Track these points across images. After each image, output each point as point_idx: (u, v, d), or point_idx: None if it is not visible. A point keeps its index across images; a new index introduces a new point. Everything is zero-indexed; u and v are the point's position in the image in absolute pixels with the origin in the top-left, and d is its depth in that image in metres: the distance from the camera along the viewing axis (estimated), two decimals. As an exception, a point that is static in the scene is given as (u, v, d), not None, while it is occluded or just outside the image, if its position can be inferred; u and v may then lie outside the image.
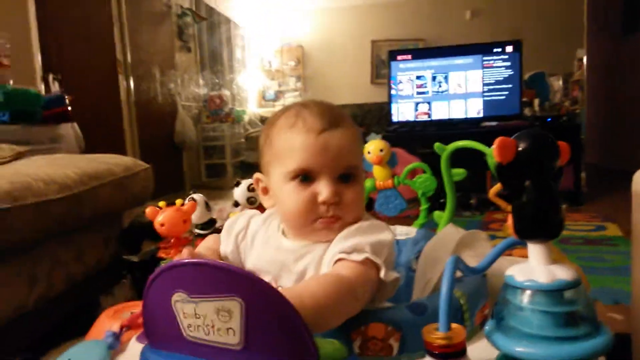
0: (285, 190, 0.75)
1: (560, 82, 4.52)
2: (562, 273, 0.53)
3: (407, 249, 1.00)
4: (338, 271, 0.67)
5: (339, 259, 0.69)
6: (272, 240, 0.80)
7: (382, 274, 0.68)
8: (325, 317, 0.60)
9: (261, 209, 1.20)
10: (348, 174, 0.75)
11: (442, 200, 1.10)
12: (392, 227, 1.06)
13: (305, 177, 0.74)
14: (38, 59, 2.87)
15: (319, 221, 0.74)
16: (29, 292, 1.28)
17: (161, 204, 0.95)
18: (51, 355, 1.29)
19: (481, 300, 0.72)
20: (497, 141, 0.50)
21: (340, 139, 0.74)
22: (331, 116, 0.75)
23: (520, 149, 0.51)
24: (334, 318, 0.61)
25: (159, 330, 0.55)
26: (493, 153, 0.51)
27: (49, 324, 1.40)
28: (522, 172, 0.52)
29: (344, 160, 0.74)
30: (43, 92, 2.77)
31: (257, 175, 0.84)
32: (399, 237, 1.03)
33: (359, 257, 0.68)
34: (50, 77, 2.89)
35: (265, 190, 0.83)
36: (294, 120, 0.76)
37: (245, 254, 0.83)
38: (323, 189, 0.73)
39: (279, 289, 0.65)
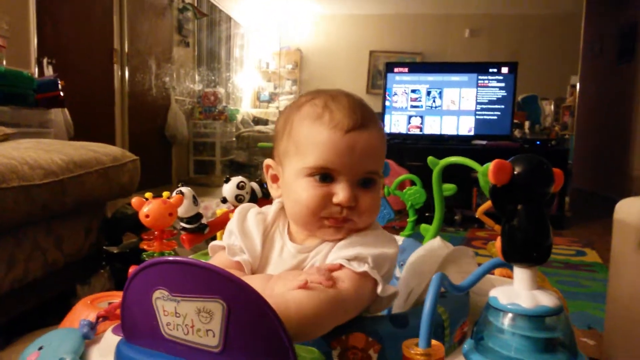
0: (299, 184, 0.71)
1: (552, 107, 4.58)
2: (545, 299, 0.53)
3: None
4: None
5: (339, 266, 0.66)
6: (277, 241, 0.75)
7: (379, 289, 0.66)
8: (309, 328, 0.58)
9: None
10: (369, 179, 0.71)
11: (427, 214, 1.10)
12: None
13: (324, 176, 0.69)
14: (34, 41, 2.84)
15: (329, 220, 0.70)
16: (6, 274, 1.26)
17: (147, 195, 0.93)
18: (23, 341, 1.28)
19: (462, 318, 0.72)
20: (493, 163, 0.50)
21: (367, 141, 0.69)
22: (361, 114, 0.70)
23: (515, 172, 0.51)
24: (318, 330, 0.59)
25: (137, 325, 0.54)
26: (488, 174, 0.51)
27: (23, 308, 1.38)
28: (515, 195, 0.52)
29: (367, 164, 0.69)
30: (36, 75, 2.74)
31: (268, 161, 0.78)
32: None
33: (358, 268, 0.65)
34: (45, 60, 2.86)
35: (275, 178, 0.78)
36: (320, 112, 0.70)
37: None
38: (340, 192, 0.68)
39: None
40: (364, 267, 0.65)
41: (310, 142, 0.69)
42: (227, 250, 0.74)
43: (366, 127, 0.69)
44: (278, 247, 0.74)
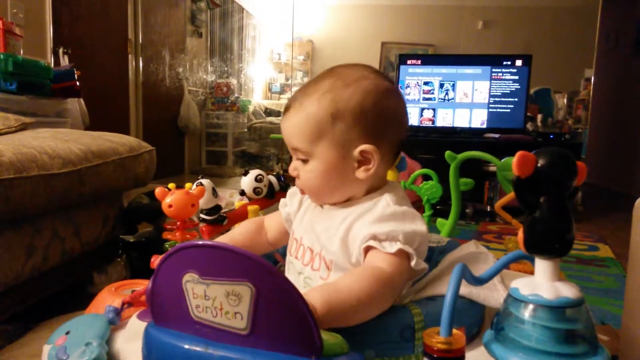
0: None
1: (565, 100, 4.54)
2: (567, 291, 0.54)
3: (434, 256, 0.99)
4: (374, 264, 0.67)
5: (371, 247, 0.69)
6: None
7: (413, 262, 0.69)
8: (362, 311, 0.61)
9: (265, 200, 1.20)
10: (301, 156, 0.79)
11: (438, 207, 1.10)
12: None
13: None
14: (50, 31, 2.86)
15: None
16: (25, 262, 1.28)
17: (171, 185, 0.95)
18: (41, 328, 1.30)
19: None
20: (518, 155, 0.51)
21: (286, 122, 0.79)
22: (295, 96, 0.79)
23: (539, 164, 0.52)
24: (370, 312, 0.62)
25: (166, 308, 0.55)
26: (512, 166, 0.51)
27: (42, 295, 1.41)
28: (538, 187, 0.53)
29: (291, 141, 0.78)
30: (52, 65, 2.76)
31: None
32: (430, 244, 1.02)
33: (392, 248, 0.68)
34: (61, 50, 2.88)
35: None
36: None
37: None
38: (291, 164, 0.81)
39: (319, 282, 0.72)
40: (397, 246, 0.68)
41: None
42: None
43: (291, 108, 0.78)
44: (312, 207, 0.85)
